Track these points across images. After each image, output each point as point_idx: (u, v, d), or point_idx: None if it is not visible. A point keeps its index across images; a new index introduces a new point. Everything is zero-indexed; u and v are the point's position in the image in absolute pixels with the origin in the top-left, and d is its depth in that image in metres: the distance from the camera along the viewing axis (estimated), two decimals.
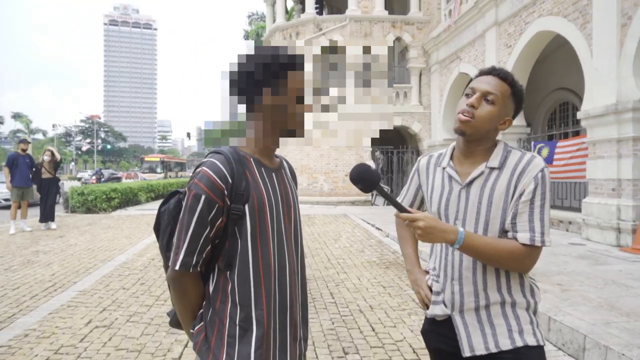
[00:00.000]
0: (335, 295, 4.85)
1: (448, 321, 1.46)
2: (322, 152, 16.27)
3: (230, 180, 1.18)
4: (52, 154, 10.05)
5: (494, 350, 1.36)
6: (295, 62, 1.23)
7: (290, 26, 17.27)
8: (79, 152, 71.10)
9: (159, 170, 41.88)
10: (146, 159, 45.66)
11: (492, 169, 1.40)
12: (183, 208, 1.20)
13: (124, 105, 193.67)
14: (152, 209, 14.57)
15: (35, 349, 3.37)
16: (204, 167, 1.20)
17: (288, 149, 16.12)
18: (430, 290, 1.52)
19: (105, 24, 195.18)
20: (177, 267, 1.19)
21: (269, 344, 1.21)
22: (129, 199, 15.61)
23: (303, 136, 1.29)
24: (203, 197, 1.16)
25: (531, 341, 1.35)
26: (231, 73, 1.24)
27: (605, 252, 6.45)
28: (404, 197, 1.69)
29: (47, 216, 9.79)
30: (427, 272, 1.58)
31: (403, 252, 1.71)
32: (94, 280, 5.40)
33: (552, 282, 4.66)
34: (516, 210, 1.34)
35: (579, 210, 8.19)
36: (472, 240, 1.32)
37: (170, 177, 41.16)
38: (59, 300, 4.59)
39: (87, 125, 77.26)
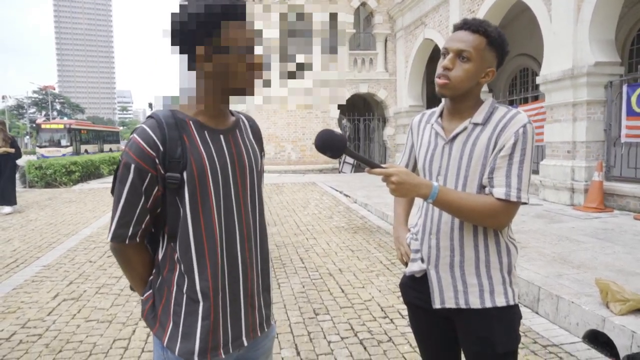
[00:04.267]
0: (305, 260, 4.95)
1: (424, 278, 1.48)
2: (289, 120, 16.14)
3: (161, 147, 1.10)
4: (4, 125, 8.51)
5: (463, 306, 1.39)
6: (229, 12, 1.11)
7: None
8: (33, 125, 67.69)
9: (64, 142, 29.24)
10: (44, 126, 30.56)
11: (475, 124, 1.38)
12: (116, 178, 1.14)
13: (80, 76, 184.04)
14: None
15: (1, 324, 3.32)
16: (134, 134, 1.12)
17: (253, 117, 15.89)
18: (410, 248, 1.54)
19: None
20: (109, 239, 1.17)
21: (217, 315, 1.17)
22: (91, 172, 15.13)
23: (253, 94, 1.20)
24: (133, 166, 1.10)
25: (501, 302, 1.37)
26: (172, 25, 1.12)
27: (559, 211, 6.81)
28: (402, 158, 1.69)
29: (2, 198, 8.46)
30: (410, 231, 1.59)
31: (394, 211, 1.73)
32: (59, 254, 5.28)
33: None
34: (494, 165, 1.32)
35: (536, 172, 8.56)
36: (446, 195, 1.30)
37: (86, 152, 29.57)
38: (22, 275, 4.49)
39: (40, 97, 73.31)
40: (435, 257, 1.44)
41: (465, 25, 1.37)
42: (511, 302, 1.39)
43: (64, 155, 22.96)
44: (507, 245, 1.41)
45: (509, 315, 1.39)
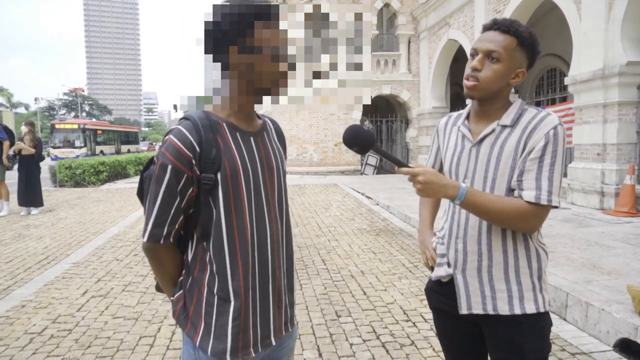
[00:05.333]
0: (327, 261, 4.95)
1: (451, 282, 1.45)
2: (311, 122, 16.18)
3: (198, 148, 1.12)
4: (33, 125, 8.58)
5: (491, 312, 1.36)
6: (262, 13, 1.13)
7: None
8: None
9: (78, 143, 28.24)
10: (57, 126, 29.57)
11: (504, 126, 1.35)
12: (152, 178, 1.15)
13: (108, 78, 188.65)
14: None
15: (33, 318, 3.43)
16: (170, 135, 1.14)
17: (276, 119, 15.99)
18: (435, 253, 1.52)
19: None
20: (145, 239, 1.17)
21: (248, 314, 1.19)
22: (118, 172, 15.51)
23: (278, 95, 1.20)
24: (170, 167, 1.11)
25: (530, 309, 1.33)
26: (205, 26, 1.15)
27: (588, 215, 6.62)
28: (428, 160, 1.67)
29: (27, 200, 8.40)
30: (436, 235, 1.57)
31: (419, 214, 1.71)
32: (87, 252, 5.43)
33: None
34: (523, 167, 1.29)
35: (565, 175, 8.34)
36: (474, 196, 1.27)
37: (102, 153, 28.81)
38: (53, 272, 4.63)
39: (70, 99, 75.58)
40: (462, 262, 1.41)
41: (495, 25, 1.34)
42: (541, 309, 1.35)
43: (77, 156, 21.99)
44: (537, 250, 1.38)
45: (539, 323, 1.36)
